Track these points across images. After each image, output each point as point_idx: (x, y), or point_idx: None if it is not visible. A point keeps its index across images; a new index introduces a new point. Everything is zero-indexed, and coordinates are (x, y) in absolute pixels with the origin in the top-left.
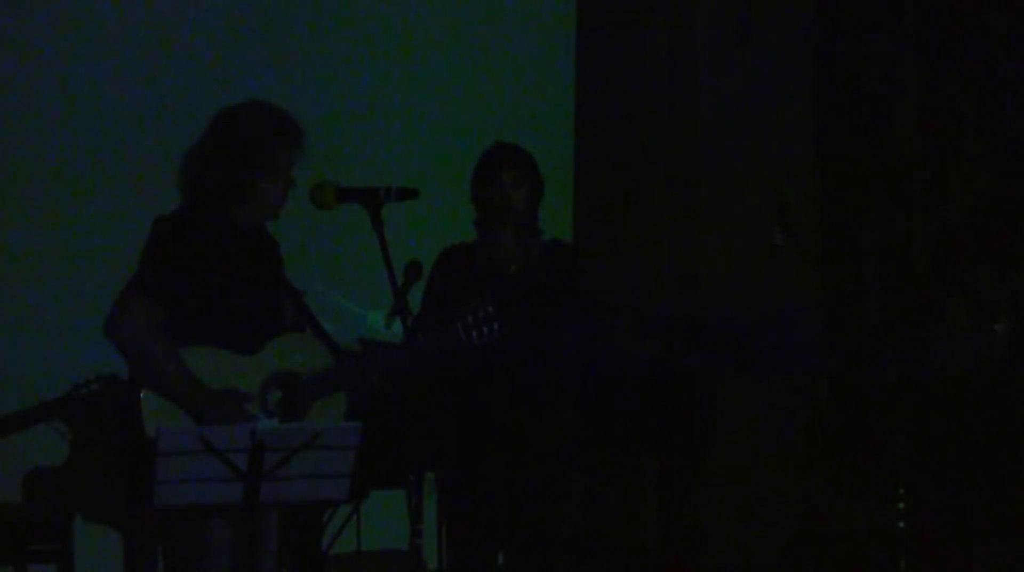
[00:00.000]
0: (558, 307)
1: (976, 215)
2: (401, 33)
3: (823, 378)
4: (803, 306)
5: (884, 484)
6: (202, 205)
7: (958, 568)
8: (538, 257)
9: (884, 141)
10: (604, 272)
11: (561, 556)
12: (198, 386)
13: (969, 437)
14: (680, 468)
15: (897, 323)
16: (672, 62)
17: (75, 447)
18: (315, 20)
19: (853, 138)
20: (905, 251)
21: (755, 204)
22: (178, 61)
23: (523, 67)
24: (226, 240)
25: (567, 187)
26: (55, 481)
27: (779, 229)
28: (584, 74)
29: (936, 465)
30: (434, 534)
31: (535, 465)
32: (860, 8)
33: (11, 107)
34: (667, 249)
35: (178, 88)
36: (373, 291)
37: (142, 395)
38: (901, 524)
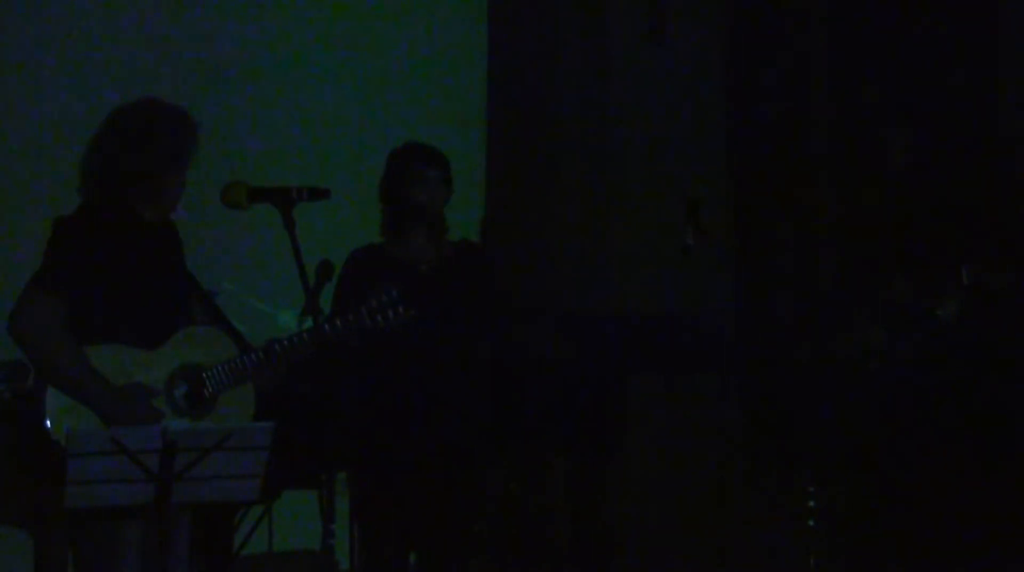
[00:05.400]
0: (469, 306)
1: (887, 217)
2: (314, 32)
3: (735, 378)
4: (715, 306)
5: (795, 483)
6: (104, 202)
7: (868, 566)
8: (448, 257)
9: (795, 140)
10: (515, 272)
11: (472, 556)
12: (103, 383)
13: (880, 435)
14: (591, 468)
15: (808, 324)
16: (584, 60)
17: None
18: (228, 21)
19: (764, 137)
20: (816, 251)
21: (667, 204)
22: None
23: (436, 66)
24: (128, 235)
25: (479, 187)
26: None
27: (691, 229)
28: (496, 73)
29: (847, 463)
30: (346, 534)
31: (445, 465)
32: (772, 6)
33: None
34: (579, 249)
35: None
36: (284, 291)
37: (48, 393)
38: (811, 522)
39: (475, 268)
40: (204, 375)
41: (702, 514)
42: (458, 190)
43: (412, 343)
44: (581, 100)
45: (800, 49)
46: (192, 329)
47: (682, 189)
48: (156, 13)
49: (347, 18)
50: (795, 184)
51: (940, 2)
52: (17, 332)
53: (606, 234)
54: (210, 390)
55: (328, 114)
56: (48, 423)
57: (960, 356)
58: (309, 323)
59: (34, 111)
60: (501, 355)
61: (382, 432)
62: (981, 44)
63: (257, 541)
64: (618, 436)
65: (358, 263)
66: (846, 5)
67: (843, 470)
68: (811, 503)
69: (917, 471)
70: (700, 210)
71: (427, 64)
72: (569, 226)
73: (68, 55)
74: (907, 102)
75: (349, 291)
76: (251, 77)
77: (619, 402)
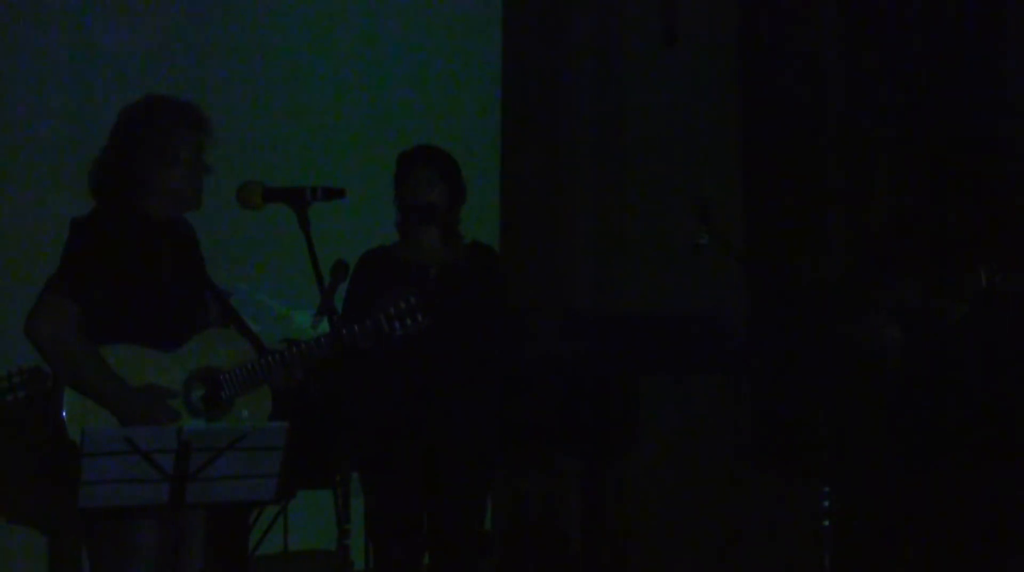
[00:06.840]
0: (480, 308)
1: (899, 218)
2: (329, 33)
3: (746, 378)
4: (727, 306)
5: (808, 483)
6: (113, 203)
7: (882, 567)
8: (460, 259)
9: (808, 141)
10: (529, 271)
11: (484, 557)
12: (120, 384)
13: (895, 434)
14: (602, 468)
15: (821, 323)
16: (598, 62)
17: None
18: (244, 20)
19: (777, 138)
20: (829, 250)
21: (680, 204)
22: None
23: (450, 68)
24: (142, 236)
25: (495, 189)
26: None
27: (703, 229)
28: (510, 75)
29: (861, 463)
30: (361, 534)
31: (457, 465)
32: (784, 7)
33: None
34: (592, 249)
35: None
36: (299, 291)
37: (65, 394)
38: (826, 523)
39: (485, 270)
40: (221, 378)
41: (714, 514)
42: (473, 192)
43: (423, 345)
44: (595, 101)
45: (813, 48)
46: (211, 331)
47: (695, 190)
48: (163, 12)
49: (363, 19)
50: (808, 182)
51: (948, 1)
52: (34, 335)
53: (619, 234)
54: (227, 393)
55: (343, 114)
56: (65, 424)
57: (971, 357)
58: (325, 324)
59: (35, 111)
60: (512, 355)
61: (394, 433)
62: (992, 43)
63: (272, 541)
64: (629, 436)
65: (369, 265)
66: (857, 5)
67: (855, 470)
68: (825, 503)
69: (929, 471)
70: (712, 209)
71: (442, 65)
72: (582, 226)
73: (68, 55)
74: (920, 100)
75: (360, 293)
76: (264, 77)
77: (630, 402)
